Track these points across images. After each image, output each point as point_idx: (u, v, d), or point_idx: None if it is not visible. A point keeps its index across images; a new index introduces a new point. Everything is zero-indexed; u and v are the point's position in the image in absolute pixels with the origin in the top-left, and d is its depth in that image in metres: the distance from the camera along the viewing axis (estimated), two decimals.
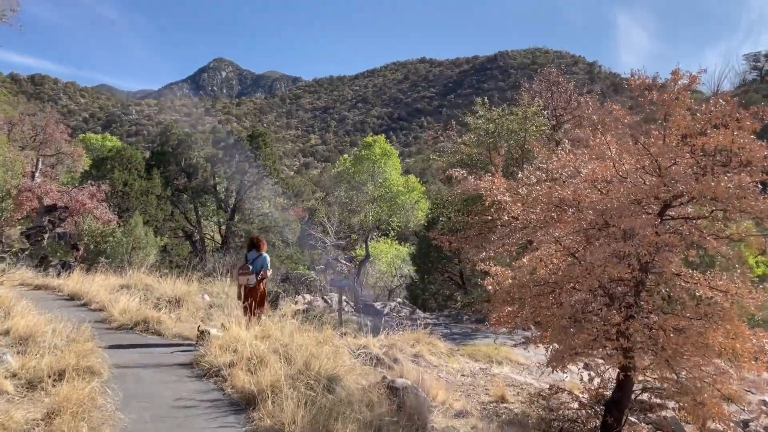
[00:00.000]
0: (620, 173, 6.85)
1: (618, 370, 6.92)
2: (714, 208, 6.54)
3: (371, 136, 36.02)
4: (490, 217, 17.28)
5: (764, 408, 9.80)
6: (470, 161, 16.70)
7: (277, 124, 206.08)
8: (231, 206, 34.39)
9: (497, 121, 16.31)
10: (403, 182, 33.57)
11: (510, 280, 8.13)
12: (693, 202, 6.36)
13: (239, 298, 10.42)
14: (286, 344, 8.45)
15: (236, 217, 34.17)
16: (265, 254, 10.35)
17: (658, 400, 8.54)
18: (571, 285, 6.68)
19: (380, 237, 37.07)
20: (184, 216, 33.18)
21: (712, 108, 6.26)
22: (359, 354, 9.74)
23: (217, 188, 34.05)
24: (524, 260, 8.59)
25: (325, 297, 16.87)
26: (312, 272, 36.82)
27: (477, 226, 17.08)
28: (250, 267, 10.08)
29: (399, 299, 17.25)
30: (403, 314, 16.63)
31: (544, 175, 7.54)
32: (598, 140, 7.10)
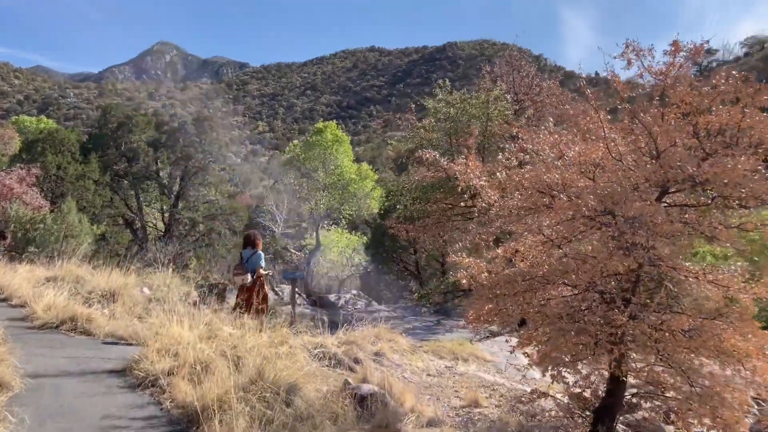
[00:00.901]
0: (614, 155, 6.13)
1: (609, 373, 6.25)
2: (716, 195, 5.91)
3: (322, 122, 34.82)
4: (450, 205, 16.61)
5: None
6: (430, 146, 15.92)
7: (224, 110, 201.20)
8: (175, 193, 32.72)
9: (458, 105, 15.57)
10: (356, 170, 32.57)
11: (485, 273, 7.36)
12: (695, 188, 5.71)
13: (237, 299, 9.91)
14: (236, 346, 7.46)
15: (180, 205, 32.54)
16: (260, 251, 9.86)
17: (634, 400, 7.96)
18: (562, 281, 5.94)
19: (331, 225, 36.06)
20: (124, 202, 31.33)
21: (723, 82, 5.60)
22: (317, 354, 8.83)
23: (160, 174, 32.29)
24: (498, 251, 7.85)
25: (275, 289, 15.83)
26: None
27: (436, 214, 16.37)
28: (246, 266, 9.65)
29: (354, 291, 16.41)
30: (360, 306, 15.78)
31: (528, 157, 6.78)
32: (588, 118, 6.37)
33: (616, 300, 5.48)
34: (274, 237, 40.34)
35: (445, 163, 8.58)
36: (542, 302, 6.07)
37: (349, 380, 7.72)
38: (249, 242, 9.95)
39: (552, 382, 7.83)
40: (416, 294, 17.49)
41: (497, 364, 10.34)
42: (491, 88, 15.89)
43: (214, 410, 5.32)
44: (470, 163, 7.52)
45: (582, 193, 5.66)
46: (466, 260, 7.79)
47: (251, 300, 9.71)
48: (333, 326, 12.59)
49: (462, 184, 7.79)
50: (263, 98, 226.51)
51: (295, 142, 36.58)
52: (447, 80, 16.72)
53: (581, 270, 5.63)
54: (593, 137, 6.34)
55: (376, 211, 35.56)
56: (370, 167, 33.52)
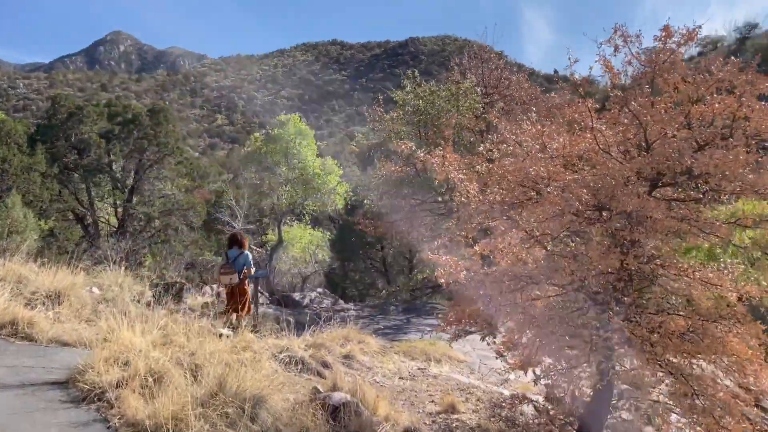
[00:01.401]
0: (602, 146, 5.75)
1: (596, 377, 5.87)
2: (708, 188, 5.58)
3: (284, 114, 33.95)
4: (419, 201, 16.18)
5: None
6: (398, 139, 15.44)
7: (181, 102, 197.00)
8: (128, 187, 31.42)
9: (427, 97, 15.14)
10: (320, 164, 31.85)
11: (464, 272, 6.92)
12: (689, 181, 5.36)
13: (227, 300, 9.93)
14: (194, 352, 6.86)
15: (135, 199, 31.26)
16: (247, 252, 9.85)
17: (620, 404, 7.64)
18: (550, 280, 5.53)
19: (294, 221, 35.28)
20: (74, 197, 29.89)
21: (723, 70, 5.25)
22: (283, 359, 8.27)
23: (113, 167, 30.94)
24: (476, 248, 7.42)
25: None
26: (219, 258, 34.57)
27: (404, 210, 15.93)
28: (233, 265, 9.58)
29: (320, 289, 15.85)
30: (326, 305, 15.22)
31: (511, 148, 6.36)
32: (574, 108, 5.97)
33: (610, 301, 5.09)
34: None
35: (422, 155, 8.06)
36: (527, 303, 5.64)
37: (319, 387, 7.19)
38: (235, 242, 9.85)
39: (535, 384, 7.46)
40: (384, 291, 17.04)
41: (470, 365, 9.95)
42: (461, 81, 15.51)
43: (168, 429, 4.75)
44: (448, 156, 7.05)
45: (571, 187, 5.25)
46: (443, 258, 7.33)
47: (243, 300, 9.67)
48: (299, 327, 12.03)
49: (439, 178, 7.33)
50: (222, 90, 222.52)
51: (257, 134, 35.63)
52: (416, 71, 16.29)
53: (571, 269, 5.23)
54: (579, 128, 5.94)
55: (341, 206, 34.97)
56: (335, 162, 32.82)
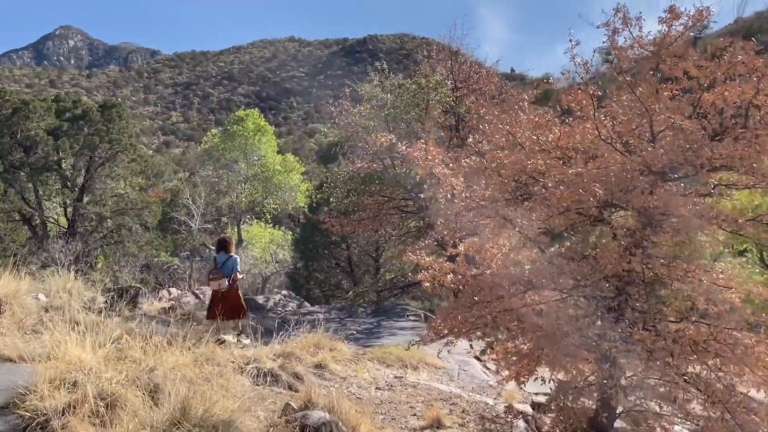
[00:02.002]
0: (604, 137, 5.27)
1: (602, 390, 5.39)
2: (716, 182, 5.17)
3: (242, 110, 32.91)
4: (386, 198, 15.61)
5: None
6: (366, 134, 14.82)
7: (134, 99, 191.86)
8: (79, 186, 29.94)
9: (395, 90, 14.57)
10: (280, 161, 30.98)
11: (450, 275, 6.37)
12: (708, 173, 4.92)
13: (211, 305, 9.74)
14: (152, 369, 6.13)
15: (86, 198, 29.84)
16: (235, 255, 9.84)
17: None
18: (552, 284, 5.02)
19: (253, 220, 34.30)
20: (20, 196, 28.32)
21: (740, 54, 4.83)
22: (250, 372, 7.57)
23: (62, 165, 29.44)
24: (460, 248, 6.89)
25: (195, 291, 14.29)
26: (175, 259, 33.36)
27: (372, 207, 15.34)
28: (221, 270, 9.54)
29: (284, 291, 15.11)
30: (291, 309, 14.50)
31: (504, 140, 5.81)
32: (573, 96, 5.47)
33: (624, 308, 4.60)
34: (190, 233, 38.14)
35: (404, 148, 7.46)
36: (528, 309, 5.12)
37: (292, 404, 6.54)
38: (223, 246, 9.76)
39: (521, 388, 6.97)
40: (351, 293, 16.42)
41: (449, 371, 9.43)
42: (430, 74, 14.99)
43: None
44: (431, 149, 6.48)
45: (577, 181, 4.74)
46: (427, 259, 6.77)
47: (234, 306, 9.62)
48: (265, 334, 11.32)
49: (421, 173, 6.76)
50: (177, 87, 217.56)
51: (214, 131, 34.52)
52: (384, 63, 15.70)
53: (582, 271, 4.72)
54: (576, 118, 5.45)
55: (302, 204, 34.12)
56: (296, 158, 32.01)
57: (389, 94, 14.53)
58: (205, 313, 11.14)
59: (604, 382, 5.00)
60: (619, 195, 4.57)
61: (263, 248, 33.08)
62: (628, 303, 4.73)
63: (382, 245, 19.16)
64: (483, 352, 10.35)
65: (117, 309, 11.76)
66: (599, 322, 4.72)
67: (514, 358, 5.59)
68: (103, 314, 11.06)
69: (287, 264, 35.86)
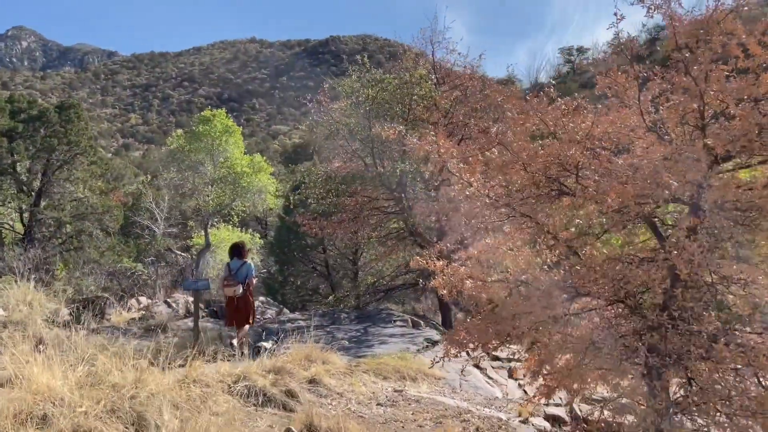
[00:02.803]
0: (648, 124, 4.73)
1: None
2: None
3: (209, 110, 31.79)
4: (367, 198, 14.97)
5: None
6: (347, 132, 14.14)
7: (91, 101, 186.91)
8: (35, 190, 28.48)
9: (378, 85, 13.90)
10: (248, 162, 30.00)
11: (469, 281, 5.76)
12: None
13: (227, 312, 9.72)
14: (133, 396, 5.37)
15: (43, 203, 28.41)
16: (249, 261, 9.78)
17: None
18: (596, 292, 4.45)
19: (220, 223, 33.23)
20: None
21: None
22: (240, 391, 6.84)
23: (17, 168, 27.95)
24: (473, 251, 6.29)
25: (167, 300, 13.39)
26: (139, 265, 32.04)
27: (353, 208, 14.67)
28: (235, 277, 9.36)
29: (261, 298, 14.30)
30: (270, 316, 13.72)
31: (533, 127, 5.21)
32: (612, 78, 4.91)
33: (687, 319, 4.04)
34: (154, 237, 36.88)
35: (413, 140, 6.78)
36: (566, 319, 4.54)
37: (292, 428, 5.86)
38: (237, 253, 9.74)
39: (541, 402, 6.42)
40: (331, 298, 15.71)
41: (450, 382, 8.83)
42: (414, 67, 14.38)
43: None
44: (441, 141, 5.87)
45: (644, 172, 4.17)
46: (438, 264, 6.15)
47: (247, 313, 9.48)
48: (253, 349, 10.59)
49: (434, 168, 6.12)
50: (135, 89, 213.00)
51: (179, 132, 33.29)
52: (365, 56, 15.03)
53: (629, 277, 4.16)
54: (620, 104, 4.90)
55: (272, 207, 33.17)
56: (264, 159, 31.07)
57: (369, 90, 13.86)
58: (189, 323, 10.41)
59: (653, 399, 4.46)
60: (688, 187, 4.04)
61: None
62: (679, 316, 4.19)
63: (361, 248, 18.48)
64: (499, 359, 9.79)
65: (83, 321, 10.86)
66: (648, 336, 4.18)
67: (549, 372, 5.01)
68: (68, 328, 10.18)
69: (256, 268, 34.90)
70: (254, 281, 9.88)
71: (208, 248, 30.46)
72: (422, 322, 13.13)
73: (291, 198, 18.82)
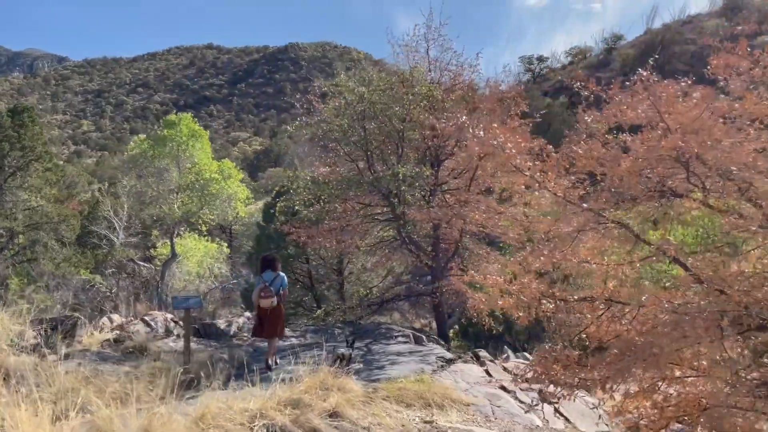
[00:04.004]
0: None
1: None
2: None
3: (175, 113, 30.29)
4: (362, 204, 14.00)
5: None
6: (340, 133, 13.09)
7: (41, 107, 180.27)
8: None
9: (374, 85, 12.94)
10: (217, 167, 28.64)
11: (546, 300, 4.85)
12: None
13: (257, 324, 9.81)
14: None
15: None
16: (281, 273, 9.81)
17: None
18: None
19: (186, 232, 31.69)
20: None
21: None
22: (259, 431, 5.77)
23: None
24: (531, 262, 5.39)
25: (145, 318, 12.11)
26: (97, 277, 30.25)
27: (345, 215, 13.68)
28: (272, 288, 9.42)
29: (248, 314, 13.11)
30: None
31: (643, 113, 4.35)
32: (736, 56, 4.11)
33: None
34: (113, 247, 35.04)
35: (478, 135, 5.78)
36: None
37: None
38: (270, 265, 9.70)
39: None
40: (321, 311, 14.64)
41: (480, 408, 7.89)
42: (414, 65, 13.46)
43: None
44: (508, 135, 4.96)
45: None
46: (498, 280, 5.23)
47: (279, 324, 9.68)
48: (239, 368, 9.49)
49: (467, 166, 5.15)
50: (87, 95, 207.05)
51: (142, 136, 31.68)
52: (362, 52, 14.07)
53: None
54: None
55: (242, 215, 31.84)
56: (234, 165, 29.76)
57: (365, 88, 12.90)
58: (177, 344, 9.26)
59: None
60: None
61: (199, 262, 30.58)
62: None
63: (348, 257, 17.46)
64: (519, 378, 8.88)
65: (52, 344, 9.57)
66: None
67: (669, 410, 4.14)
68: (36, 353, 8.88)
69: (223, 278, 33.45)
70: (286, 293, 10.06)
71: (174, 258, 28.92)
72: (424, 337, 12.19)
73: (278, 204, 17.63)
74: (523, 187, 5.30)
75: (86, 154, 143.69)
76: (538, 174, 4.75)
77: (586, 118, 4.46)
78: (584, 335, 4.63)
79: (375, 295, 14.89)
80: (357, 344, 11.33)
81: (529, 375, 4.73)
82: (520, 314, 4.99)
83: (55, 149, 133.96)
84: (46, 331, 9.58)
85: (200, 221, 29.59)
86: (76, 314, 10.67)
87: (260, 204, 43.50)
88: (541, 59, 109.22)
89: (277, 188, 20.96)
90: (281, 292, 9.58)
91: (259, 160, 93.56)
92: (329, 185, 13.00)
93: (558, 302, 4.75)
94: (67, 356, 8.96)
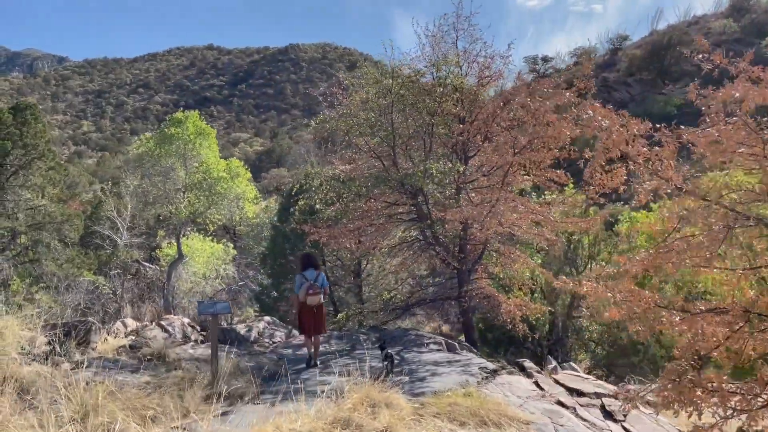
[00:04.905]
0: None
1: None
2: None
3: (182, 111, 29.48)
4: (387, 204, 13.29)
5: None
6: (366, 128, 12.36)
7: (41, 107, 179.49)
8: None
9: (400, 78, 12.20)
10: (225, 166, 27.85)
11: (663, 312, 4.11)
12: None
13: (302, 322, 9.77)
14: None
15: None
16: (322, 272, 9.99)
17: None
18: None
19: (192, 232, 30.96)
20: None
21: None
22: None
23: None
24: (627, 266, 4.67)
25: (161, 322, 11.39)
26: (100, 278, 29.54)
27: (369, 214, 12.99)
28: (318, 286, 9.55)
29: (268, 318, 12.38)
30: (279, 340, 11.85)
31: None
32: None
33: None
34: (116, 248, 34.35)
35: (599, 117, 4.98)
36: None
37: None
38: (312, 263, 9.80)
39: None
40: (341, 316, 13.92)
41: (541, 427, 7.16)
42: (442, 57, 12.71)
43: None
44: (614, 118, 4.25)
45: None
46: (598, 288, 4.51)
47: (323, 321, 9.84)
48: (267, 377, 8.82)
49: (607, 155, 4.48)
50: (88, 95, 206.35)
51: (148, 134, 30.92)
52: (391, 40, 13.29)
53: None
54: None
55: (250, 215, 31.15)
56: (242, 164, 29.01)
57: (392, 80, 12.18)
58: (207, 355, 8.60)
59: None
60: None
61: (205, 263, 29.84)
62: None
63: (367, 259, 16.74)
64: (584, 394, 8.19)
65: (66, 351, 8.88)
66: None
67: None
68: (49, 361, 8.20)
69: (229, 280, 32.74)
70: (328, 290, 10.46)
71: (181, 259, 28.13)
72: (457, 345, 11.47)
73: (298, 203, 16.89)
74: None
75: (86, 154, 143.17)
76: (658, 157, 4.02)
77: (733, 92, 3.67)
78: (713, 353, 3.92)
79: (399, 299, 14.14)
80: (390, 350, 10.55)
81: (653, 399, 4.01)
82: (639, 328, 4.25)
83: (56, 150, 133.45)
84: (58, 337, 8.86)
85: (207, 221, 28.82)
86: (90, 319, 9.93)
87: (263, 205, 42.81)
88: (545, 59, 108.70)
89: (297, 186, 20.17)
90: (324, 289, 9.76)
91: (261, 161, 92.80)
92: (355, 182, 12.30)
93: (681, 313, 4.02)
94: (81, 364, 8.26)
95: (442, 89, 12.05)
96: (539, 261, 16.22)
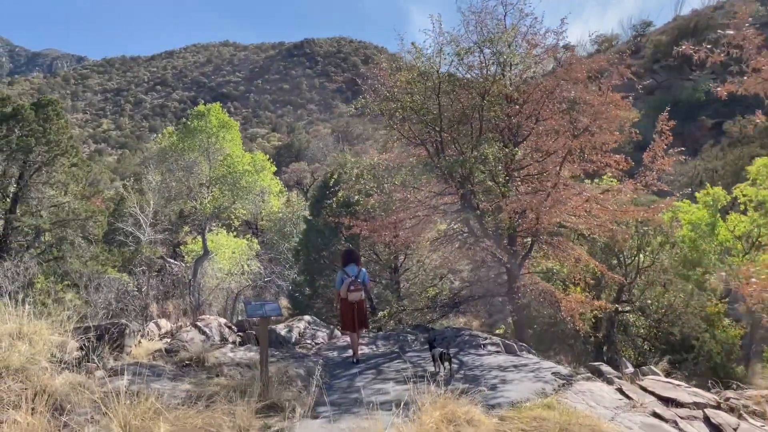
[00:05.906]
0: None
1: None
2: None
3: (203, 104, 28.75)
4: (434, 194, 12.37)
5: None
6: (412, 112, 11.45)
7: (61, 106, 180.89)
8: (11, 194, 25.40)
9: (448, 55, 11.30)
10: (249, 159, 27.15)
11: None
12: None
13: (344, 319, 9.57)
14: None
15: (19, 209, 25.37)
16: (363, 268, 9.82)
17: None
18: None
19: (219, 228, 30.35)
20: None
21: None
22: None
23: None
24: None
25: (197, 323, 10.62)
26: (124, 275, 29.02)
27: (409, 206, 12.10)
28: (360, 282, 9.39)
29: (308, 318, 11.56)
30: (321, 341, 11.03)
31: None
32: None
33: None
34: (139, 244, 33.87)
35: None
36: None
37: None
38: (354, 259, 9.70)
39: None
40: (382, 314, 13.07)
41: None
42: (489, 35, 11.71)
43: None
44: None
45: None
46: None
47: (365, 316, 9.71)
48: (324, 386, 7.98)
49: None
50: (107, 93, 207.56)
51: (170, 129, 30.27)
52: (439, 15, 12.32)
53: None
54: None
55: (276, 210, 30.49)
56: (267, 157, 28.28)
57: (438, 59, 11.25)
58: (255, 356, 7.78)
59: None
60: None
61: (231, 259, 29.21)
62: None
63: (406, 253, 15.88)
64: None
65: (100, 357, 8.13)
66: None
67: None
68: (81, 369, 7.44)
69: (253, 276, 32.11)
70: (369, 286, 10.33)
71: (206, 255, 27.50)
72: (515, 346, 10.56)
73: (337, 195, 16.06)
74: None
75: (107, 152, 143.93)
76: None
77: None
78: None
79: (446, 296, 13.25)
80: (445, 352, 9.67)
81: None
82: None
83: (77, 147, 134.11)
84: (91, 341, 8.10)
85: (232, 216, 28.18)
86: (124, 321, 9.17)
87: (283, 199, 42.10)
88: (566, 47, 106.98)
89: (333, 177, 19.34)
90: (366, 285, 9.61)
91: (280, 155, 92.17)
92: (401, 171, 11.43)
93: None
94: (116, 371, 7.50)
95: (494, 68, 11.13)
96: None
